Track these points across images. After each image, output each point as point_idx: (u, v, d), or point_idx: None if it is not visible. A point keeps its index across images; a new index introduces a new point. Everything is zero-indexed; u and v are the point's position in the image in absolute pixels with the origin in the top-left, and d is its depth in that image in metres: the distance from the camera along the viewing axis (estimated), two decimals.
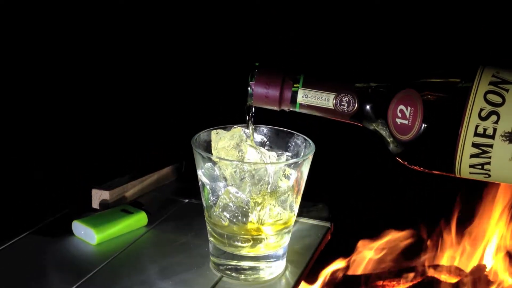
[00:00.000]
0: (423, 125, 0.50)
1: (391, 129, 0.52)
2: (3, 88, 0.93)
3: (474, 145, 0.48)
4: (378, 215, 0.94)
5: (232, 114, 0.62)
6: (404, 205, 0.94)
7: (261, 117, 0.61)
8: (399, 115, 0.51)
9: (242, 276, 0.59)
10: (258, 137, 0.63)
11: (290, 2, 0.89)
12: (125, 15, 0.95)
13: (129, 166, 0.79)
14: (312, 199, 0.72)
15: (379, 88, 0.54)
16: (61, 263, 0.61)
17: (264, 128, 0.64)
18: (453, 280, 0.90)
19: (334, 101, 0.53)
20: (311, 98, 0.54)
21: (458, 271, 0.92)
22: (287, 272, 0.62)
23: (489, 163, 0.48)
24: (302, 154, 0.61)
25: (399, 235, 0.94)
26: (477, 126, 0.47)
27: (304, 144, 0.61)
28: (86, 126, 0.97)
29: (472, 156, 0.48)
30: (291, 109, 0.56)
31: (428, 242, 0.95)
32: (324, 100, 0.54)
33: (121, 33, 0.95)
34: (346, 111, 0.54)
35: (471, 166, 0.49)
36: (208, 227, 0.60)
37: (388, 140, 0.54)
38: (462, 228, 0.94)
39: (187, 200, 0.77)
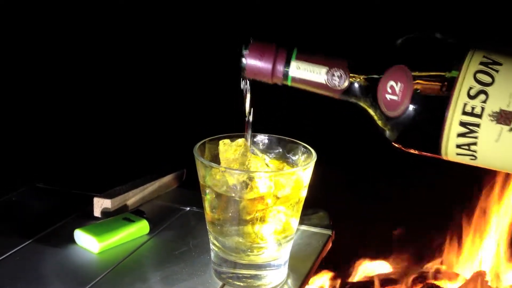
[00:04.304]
0: (412, 101, 0.50)
1: (380, 105, 0.52)
2: (5, 94, 0.93)
3: (462, 123, 0.48)
4: (379, 222, 0.94)
5: (233, 122, 0.62)
6: (405, 212, 0.94)
7: (262, 126, 0.62)
8: (389, 90, 0.51)
9: (244, 284, 0.60)
10: (259, 146, 0.63)
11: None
12: (128, 21, 0.95)
13: (130, 174, 0.79)
14: (313, 207, 0.73)
15: (370, 63, 0.54)
16: (63, 272, 0.61)
17: (265, 137, 0.64)
18: (454, 286, 0.90)
19: (326, 75, 0.53)
20: (303, 71, 0.54)
21: (458, 277, 0.92)
22: (289, 280, 0.62)
23: (475, 144, 0.48)
24: (303, 163, 0.61)
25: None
26: (465, 105, 0.47)
27: (305, 152, 0.61)
28: (88, 134, 0.97)
29: (459, 135, 0.48)
30: (283, 82, 0.55)
31: (429, 248, 0.95)
32: (316, 73, 0.53)
33: (124, 38, 0.96)
34: (337, 85, 0.54)
35: (458, 146, 0.49)
36: (210, 236, 0.60)
37: (378, 118, 0.54)
38: (462, 233, 0.94)
39: (188, 208, 0.77)
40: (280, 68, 0.54)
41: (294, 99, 0.77)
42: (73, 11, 0.94)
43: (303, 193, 0.59)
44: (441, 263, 0.95)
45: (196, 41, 0.95)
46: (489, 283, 0.89)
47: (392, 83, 0.51)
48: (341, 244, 0.75)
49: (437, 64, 0.50)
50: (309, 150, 0.61)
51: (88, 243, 0.65)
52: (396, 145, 0.54)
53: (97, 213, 0.73)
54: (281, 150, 0.63)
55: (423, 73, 0.50)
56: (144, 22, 0.95)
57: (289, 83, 0.55)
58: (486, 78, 0.47)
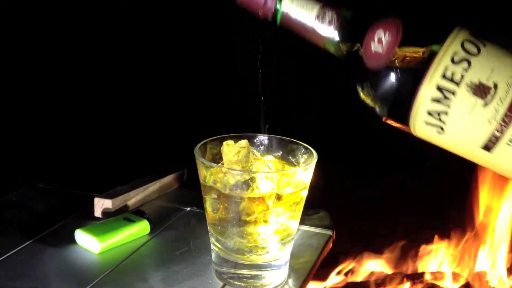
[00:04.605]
0: (395, 56, 0.49)
1: (364, 55, 0.52)
2: (5, 94, 0.93)
3: (439, 88, 0.47)
4: (379, 222, 0.94)
5: (233, 122, 0.62)
6: (405, 211, 0.94)
7: (262, 123, 0.62)
8: (376, 39, 0.51)
9: (245, 285, 0.60)
10: (260, 147, 0.64)
11: None
12: (128, 21, 0.95)
13: (131, 174, 0.79)
14: (314, 207, 0.73)
15: (362, 13, 0.53)
16: (64, 272, 0.61)
17: (266, 137, 0.64)
18: (454, 286, 0.90)
19: (316, 15, 0.53)
20: (296, 5, 0.53)
21: (458, 277, 0.92)
22: (289, 281, 0.62)
23: (446, 113, 0.48)
24: (304, 163, 0.61)
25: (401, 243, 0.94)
26: (446, 68, 0.47)
27: (306, 153, 0.61)
28: (88, 135, 0.97)
29: (433, 100, 0.48)
30: (272, 16, 0.54)
31: (428, 248, 0.96)
32: (309, 10, 0.52)
33: (123, 38, 0.96)
34: (326, 29, 0.53)
35: (429, 112, 0.48)
36: (211, 237, 0.60)
37: (359, 80, 0.53)
38: (463, 234, 0.94)
39: (189, 208, 0.77)
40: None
41: (296, 95, 0.77)
42: (73, 10, 0.94)
43: (304, 193, 0.59)
44: (441, 262, 0.95)
45: (196, 41, 0.95)
46: (489, 283, 0.89)
47: (380, 32, 0.50)
48: (340, 242, 0.75)
49: (429, 29, 0.50)
50: (310, 150, 0.61)
51: (88, 243, 0.65)
52: (383, 119, 0.53)
53: (97, 213, 0.73)
54: (281, 150, 0.63)
55: (413, 32, 0.50)
56: (144, 22, 0.95)
57: (278, 18, 0.54)
58: (472, 49, 0.47)
